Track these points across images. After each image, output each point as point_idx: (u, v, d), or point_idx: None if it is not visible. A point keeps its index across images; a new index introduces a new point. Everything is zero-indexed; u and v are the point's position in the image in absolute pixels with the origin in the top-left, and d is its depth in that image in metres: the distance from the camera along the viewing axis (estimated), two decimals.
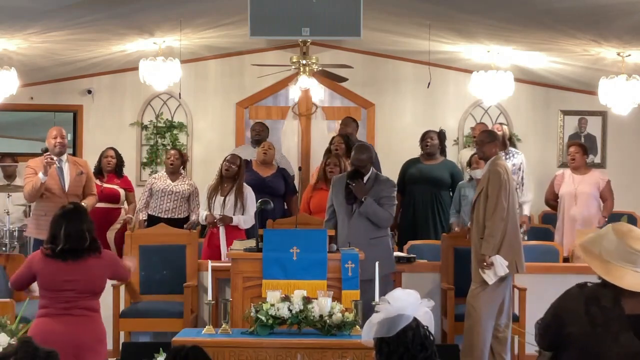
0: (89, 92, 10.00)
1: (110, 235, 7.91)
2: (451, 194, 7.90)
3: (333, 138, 8.13)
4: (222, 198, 7.06)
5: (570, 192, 7.61)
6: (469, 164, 7.73)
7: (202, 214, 7.17)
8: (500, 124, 9.30)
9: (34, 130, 10.01)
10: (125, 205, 8.27)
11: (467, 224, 7.25)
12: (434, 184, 7.81)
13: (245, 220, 7.06)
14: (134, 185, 8.68)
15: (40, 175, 6.68)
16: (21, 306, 4.99)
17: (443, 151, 8.13)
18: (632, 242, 2.86)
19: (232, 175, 7.12)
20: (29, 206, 7.41)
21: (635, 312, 2.84)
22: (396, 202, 6.29)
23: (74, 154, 9.78)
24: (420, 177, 7.73)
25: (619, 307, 2.84)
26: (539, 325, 3.04)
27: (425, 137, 8.00)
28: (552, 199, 7.93)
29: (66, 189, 6.86)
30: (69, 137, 10.06)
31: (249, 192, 7.12)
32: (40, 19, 7.06)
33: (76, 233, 4.37)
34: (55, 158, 6.78)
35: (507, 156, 7.83)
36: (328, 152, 7.91)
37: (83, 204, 6.76)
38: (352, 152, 6.39)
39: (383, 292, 4.85)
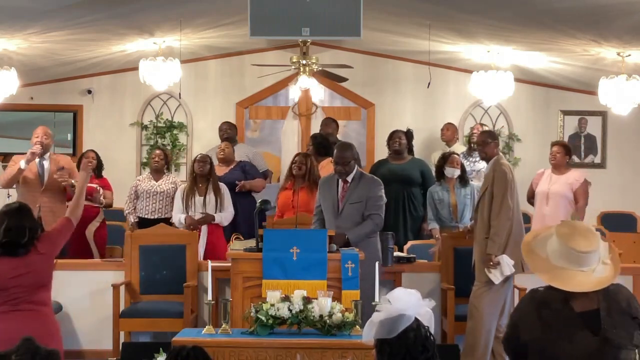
0: (89, 92, 10.01)
1: (89, 233, 7.86)
2: (421, 191, 7.90)
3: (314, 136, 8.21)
4: (202, 198, 7.13)
5: (543, 191, 7.50)
6: (439, 167, 7.60)
7: (177, 217, 7.19)
8: (481, 124, 9.33)
9: (33, 130, 9.97)
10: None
11: (448, 228, 7.28)
12: (405, 183, 7.82)
13: (226, 217, 7.19)
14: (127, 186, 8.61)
15: (21, 162, 6.83)
16: None
17: (411, 150, 8.17)
18: (573, 243, 2.87)
19: (205, 174, 7.20)
20: None
21: (585, 309, 2.85)
22: (385, 200, 6.15)
23: (74, 154, 9.79)
24: (392, 177, 7.70)
25: (569, 307, 2.85)
26: (503, 336, 3.08)
27: (393, 137, 8.03)
28: (531, 197, 7.83)
29: (44, 184, 6.94)
30: (69, 137, 10.08)
31: (225, 190, 7.25)
32: (40, 19, 7.07)
33: (16, 228, 4.33)
34: (39, 151, 6.92)
35: (471, 160, 7.92)
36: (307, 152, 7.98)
37: (73, 182, 6.85)
38: (334, 151, 6.32)
39: (371, 292, 4.91)
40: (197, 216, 7.10)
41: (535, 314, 2.88)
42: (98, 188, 7.45)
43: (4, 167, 8.64)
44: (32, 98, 9.92)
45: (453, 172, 7.38)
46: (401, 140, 7.97)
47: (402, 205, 7.80)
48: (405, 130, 8.18)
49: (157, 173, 7.83)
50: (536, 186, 7.64)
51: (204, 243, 7.04)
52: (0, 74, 7.93)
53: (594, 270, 2.86)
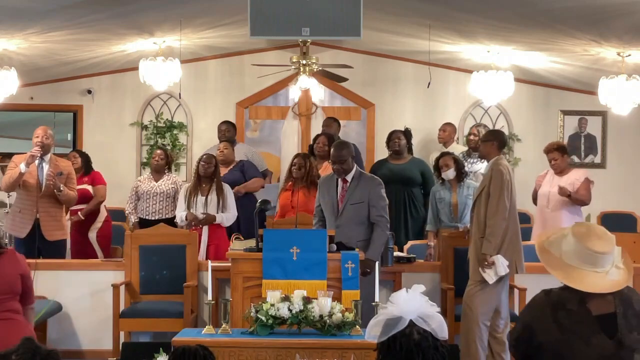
0: (89, 92, 10.01)
1: (92, 235, 7.85)
2: (422, 191, 7.90)
3: (317, 137, 8.12)
4: (204, 198, 7.12)
5: (545, 192, 7.50)
6: (437, 167, 7.58)
7: (179, 215, 7.18)
8: (480, 124, 9.30)
9: (33, 130, 9.96)
10: (104, 205, 8.13)
11: (448, 227, 7.26)
12: (406, 183, 7.83)
13: (228, 217, 7.14)
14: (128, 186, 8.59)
15: (22, 166, 6.79)
16: None
17: (410, 149, 8.18)
18: (590, 243, 2.86)
19: (210, 174, 7.18)
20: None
21: (602, 312, 2.83)
22: (387, 200, 6.11)
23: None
24: (392, 177, 7.70)
25: (585, 309, 2.83)
26: (510, 336, 3.03)
27: (392, 137, 8.04)
28: (536, 198, 7.84)
29: (42, 188, 6.89)
30: (69, 137, 10.08)
31: (228, 190, 7.24)
32: (40, 19, 7.07)
33: None
34: (38, 154, 6.86)
35: (470, 160, 7.94)
36: (311, 150, 7.95)
37: (61, 188, 6.83)
38: (331, 149, 6.30)
39: (369, 289, 4.92)
40: (199, 216, 7.09)
41: (551, 315, 2.85)
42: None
43: (2, 168, 8.65)
44: (32, 98, 9.92)
45: (447, 175, 7.35)
46: (400, 140, 7.99)
47: (403, 205, 7.81)
48: (403, 129, 8.19)
49: (158, 173, 7.83)
50: (539, 187, 7.64)
51: (205, 243, 7.03)
52: (0, 74, 7.92)
53: (608, 272, 2.85)
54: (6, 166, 8.54)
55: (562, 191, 7.29)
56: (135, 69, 8.42)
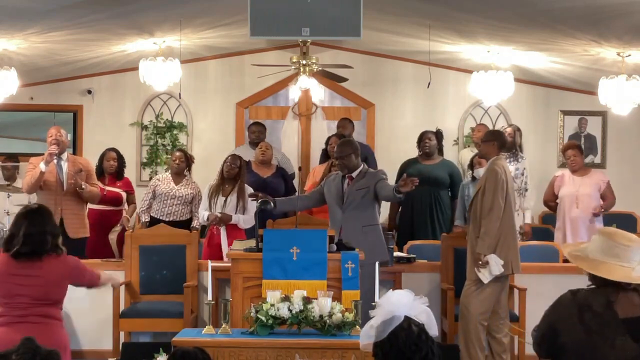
0: (89, 92, 10.00)
1: (112, 237, 7.90)
2: (449, 193, 7.90)
3: (329, 139, 8.16)
4: (224, 198, 7.09)
5: (571, 193, 7.60)
6: (471, 165, 7.70)
7: (202, 214, 7.16)
8: (510, 125, 9.29)
9: (34, 130, 10.00)
10: (126, 207, 8.25)
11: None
12: (433, 184, 7.81)
13: (245, 220, 7.07)
14: (134, 186, 8.67)
15: (42, 165, 6.78)
16: None
17: (441, 151, 8.18)
18: (617, 237, 2.90)
19: (234, 176, 7.14)
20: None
21: (628, 315, 2.84)
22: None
23: (74, 154, 9.80)
24: (420, 178, 7.72)
25: (612, 312, 2.83)
26: (535, 334, 3.02)
27: (423, 138, 8.03)
28: (552, 200, 7.91)
29: (64, 186, 6.90)
30: (69, 137, 10.08)
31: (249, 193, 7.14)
32: (40, 19, 7.06)
33: (37, 235, 4.13)
34: (56, 151, 6.88)
35: (512, 159, 7.88)
36: (325, 152, 7.94)
37: (84, 186, 6.84)
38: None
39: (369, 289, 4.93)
40: (219, 216, 7.06)
41: (577, 316, 2.85)
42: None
43: (4, 168, 8.66)
44: (32, 98, 9.91)
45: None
46: (431, 142, 7.97)
47: (430, 207, 7.79)
48: (434, 130, 8.18)
49: (178, 176, 7.78)
50: (558, 189, 7.71)
51: (226, 244, 6.96)
52: (0, 74, 7.92)
53: (634, 269, 2.86)
54: (6, 167, 8.57)
55: (598, 212, 7.45)
56: (135, 69, 8.41)
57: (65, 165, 6.99)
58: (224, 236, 7.00)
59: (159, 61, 8.18)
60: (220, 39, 8.93)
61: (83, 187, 6.92)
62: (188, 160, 7.88)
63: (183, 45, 8.38)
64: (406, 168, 7.88)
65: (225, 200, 7.07)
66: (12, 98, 8.19)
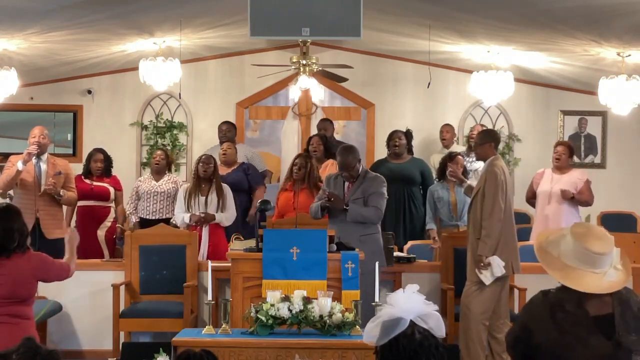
0: (89, 92, 10.01)
1: (101, 233, 7.86)
2: (421, 191, 7.92)
3: (310, 139, 8.18)
4: (204, 198, 7.11)
5: (545, 190, 7.51)
6: (441, 169, 7.64)
7: (180, 216, 7.15)
8: (482, 125, 9.34)
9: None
10: (114, 205, 8.18)
11: (448, 226, 7.40)
12: (406, 182, 7.86)
13: (227, 217, 7.13)
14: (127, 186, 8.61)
15: (19, 164, 6.77)
16: None
17: (410, 150, 8.22)
18: (589, 244, 2.85)
19: (209, 175, 7.17)
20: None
21: (600, 313, 2.84)
22: (386, 196, 6.26)
23: (74, 154, 9.80)
24: (392, 176, 7.71)
25: (584, 310, 2.83)
26: (509, 337, 3.02)
27: (393, 137, 8.07)
28: (531, 197, 7.83)
29: (41, 187, 6.90)
30: (69, 137, 10.08)
31: (228, 191, 7.21)
32: (40, 19, 7.07)
33: (4, 232, 4.09)
34: (36, 151, 6.85)
35: (469, 160, 7.97)
36: (306, 152, 7.96)
37: (62, 193, 6.85)
38: (336, 155, 6.40)
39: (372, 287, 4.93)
40: (201, 216, 7.08)
41: (549, 316, 2.85)
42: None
43: (0, 169, 8.65)
44: (32, 98, 9.92)
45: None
46: (401, 141, 8.01)
47: (403, 204, 7.83)
48: (404, 130, 8.22)
49: (158, 174, 7.84)
50: (537, 186, 7.64)
51: (207, 243, 7.03)
52: (0, 74, 7.92)
53: (606, 273, 2.85)
54: (3, 167, 8.57)
55: (565, 194, 7.31)
56: (135, 69, 8.42)
57: (43, 166, 6.98)
58: (206, 236, 7.04)
59: (159, 61, 8.19)
60: (220, 39, 8.94)
61: (61, 194, 6.93)
62: (168, 159, 7.97)
63: (183, 45, 8.39)
64: (377, 168, 7.87)
65: (207, 200, 7.10)
66: (12, 98, 8.19)
